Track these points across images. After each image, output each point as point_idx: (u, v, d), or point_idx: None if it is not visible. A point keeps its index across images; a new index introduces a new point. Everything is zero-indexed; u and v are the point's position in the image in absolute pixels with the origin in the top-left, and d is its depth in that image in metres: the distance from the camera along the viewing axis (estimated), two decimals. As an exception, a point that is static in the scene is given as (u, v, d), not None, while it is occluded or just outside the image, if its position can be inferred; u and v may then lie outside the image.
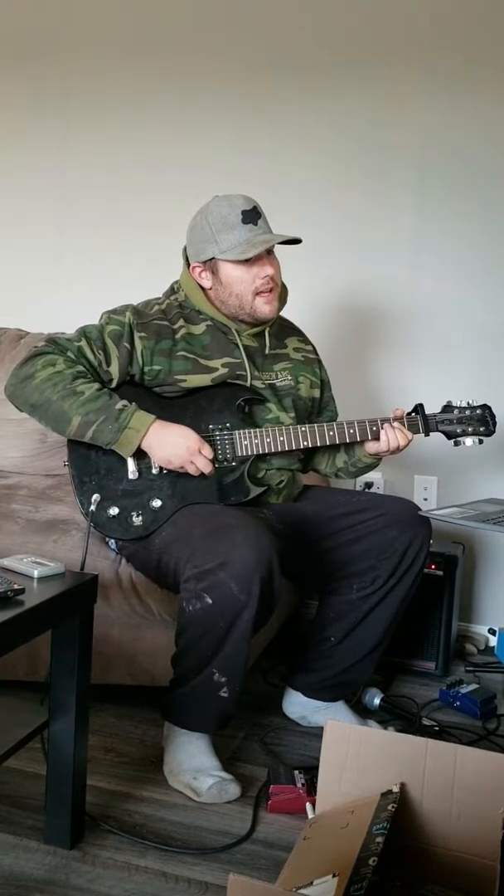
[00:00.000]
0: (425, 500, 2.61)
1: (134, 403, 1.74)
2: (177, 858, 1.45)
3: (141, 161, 2.80)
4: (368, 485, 2.59)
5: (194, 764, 1.66)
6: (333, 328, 2.64)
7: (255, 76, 2.67)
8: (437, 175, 2.55)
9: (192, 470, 1.75)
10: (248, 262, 1.79)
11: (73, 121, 2.87)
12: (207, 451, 1.75)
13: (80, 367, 1.77)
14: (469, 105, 2.50)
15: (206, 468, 1.75)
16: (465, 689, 2.11)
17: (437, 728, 1.95)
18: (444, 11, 2.49)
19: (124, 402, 1.73)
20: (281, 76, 2.65)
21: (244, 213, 1.78)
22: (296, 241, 1.80)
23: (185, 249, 1.90)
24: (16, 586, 1.30)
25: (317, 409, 2.05)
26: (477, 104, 2.49)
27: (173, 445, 1.73)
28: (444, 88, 2.52)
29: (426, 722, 1.97)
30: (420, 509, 1.86)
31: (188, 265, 1.88)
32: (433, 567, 2.26)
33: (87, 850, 1.46)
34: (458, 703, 2.09)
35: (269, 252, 1.83)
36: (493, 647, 2.54)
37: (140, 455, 1.77)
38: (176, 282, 1.94)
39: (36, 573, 1.40)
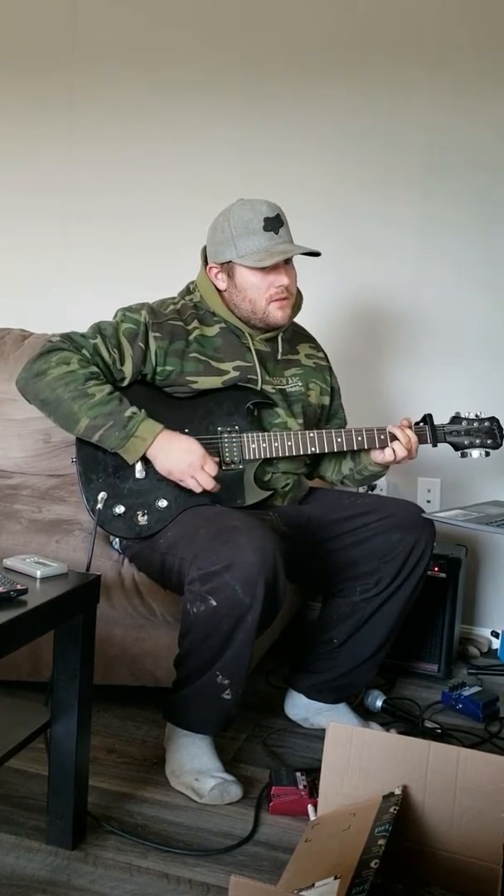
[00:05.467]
0: (429, 502, 2.61)
1: (143, 411, 1.74)
2: (178, 860, 1.45)
3: (145, 160, 2.80)
4: (372, 487, 2.59)
5: (196, 765, 1.66)
6: (342, 334, 2.63)
7: (259, 73, 2.67)
8: (442, 175, 2.54)
9: (191, 485, 1.73)
10: (264, 269, 1.79)
11: (78, 120, 2.87)
12: (210, 468, 1.74)
13: (94, 368, 1.76)
14: (474, 102, 2.49)
15: (208, 485, 1.73)
16: (467, 692, 2.10)
17: (439, 730, 1.95)
18: (448, 6, 2.49)
19: (133, 409, 1.73)
20: (284, 73, 2.65)
21: (266, 220, 1.78)
22: (315, 254, 1.80)
23: (203, 249, 1.90)
24: (19, 586, 1.30)
25: (326, 416, 2.05)
26: (482, 101, 2.49)
27: (177, 459, 1.72)
28: (448, 85, 2.51)
29: (428, 724, 1.97)
30: (424, 512, 1.86)
31: (206, 265, 1.89)
32: (436, 569, 2.25)
33: (89, 851, 1.46)
34: (460, 706, 2.09)
35: (287, 261, 1.83)
36: (496, 650, 2.54)
37: (146, 458, 1.77)
38: (192, 282, 1.94)
39: (39, 573, 1.40)
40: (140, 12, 2.78)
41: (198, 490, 1.74)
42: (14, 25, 2.92)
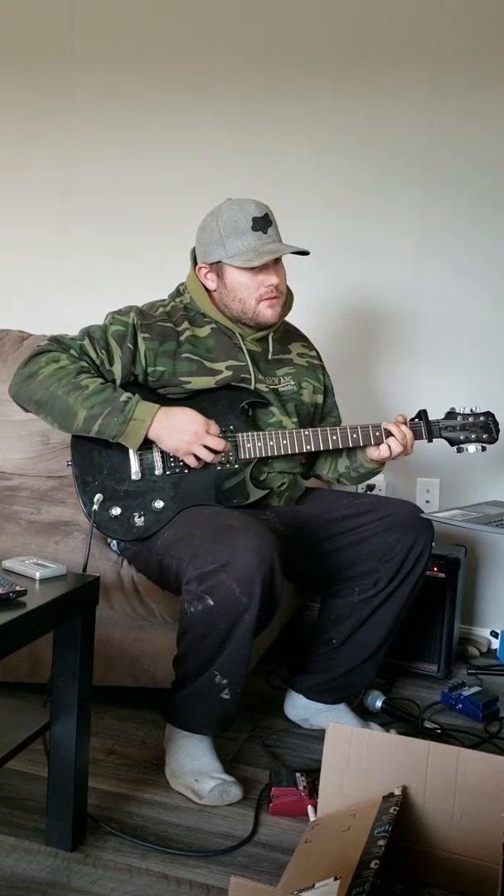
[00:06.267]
0: (427, 502, 2.61)
1: (138, 395, 1.74)
2: (178, 861, 1.45)
3: (143, 162, 2.81)
4: (370, 487, 2.59)
5: (196, 766, 1.66)
6: (337, 332, 2.64)
7: (258, 76, 2.68)
8: (441, 175, 2.55)
9: (202, 454, 1.73)
10: (253, 269, 1.80)
11: (76, 122, 2.87)
12: (214, 429, 1.74)
13: (83, 363, 1.77)
14: (474, 104, 2.50)
15: (219, 445, 1.73)
16: (467, 692, 2.10)
17: (439, 731, 1.95)
18: (448, 9, 2.49)
19: (128, 394, 1.74)
20: (283, 76, 2.65)
21: (255, 219, 1.78)
22: (304, 253, 1.81)
23: (193, 250, 1.90)
24: (18, 588, 1.30)
25: (319, 415, 2.05)
26: (482, 102, 2.49)
27: (180, 432, 1.72)
28: (448, 87, 2.51)
29: (428, 724, 1.97)
30: (422, 512, 1.86)
31: (195, 265, 1.89)
32: (435, 569, 2.25)
33: (89, 852, 1.46)
34: (460, 706, 2.09)
35: (276, 260, 1.84)
36: (496, 650, 2.54)
37: (143, 454, 1.77)
38: (182, 283, 1.94)
39: (38, 575, 1.40)
40: (139, 14, 2.78)
41: (209, 458, 1.74)
42: (12, 26, 2.91)
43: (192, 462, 1.76)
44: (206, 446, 1.73)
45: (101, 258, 2.86)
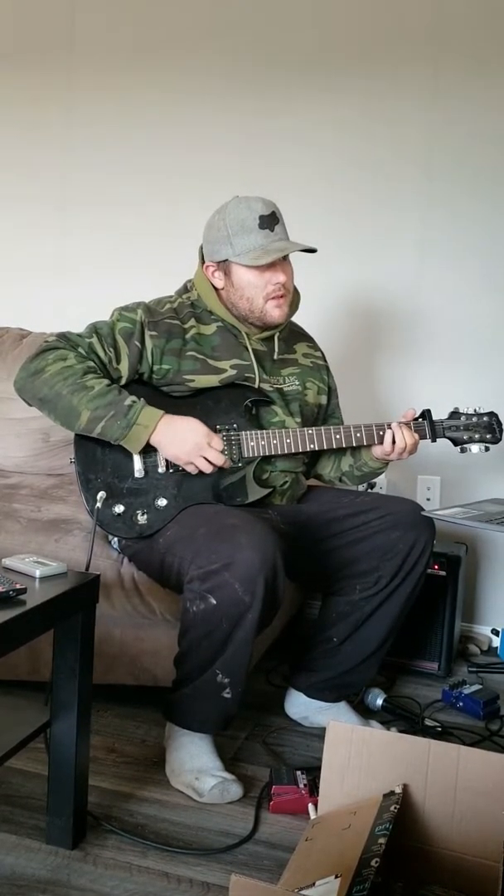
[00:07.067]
0: (428, 500, 2.61)
1: (143, 399, 1.74)
2: (179, 859, 1.45)
3: (142, 161, 2.80)
4: (371, 485, 2.59)
5: (196, 764, 1.66)
6: (339, 332, 2.63)
7: (258, 76, 2.67)
8: (442, 175, 2.54)
9: (202, 465, 1.73)
10: (260, 267, 1.79)
11: (76, 120, 2.86)
12: (217, 443, 1.74)
13: (91, 363, 1.76)
14: (474, 104, 2.49)
15: (218, 460, 1.73)
16: (468, 690, 2.10)
17: (439, 729, 1.95)
18: (448, 9, 2.49)
19: (133, 398, 1.73)
20: (284, 76, 2.65)
21: (262, 217, 1.78)
22: (311, 251, 1.80)
23: (201, 248, 1.89)
24: (18, 586, 1.30)
25: (322, 415, 2.04)
26: (482, 103, 2.49)
27: (182, 441, 1.72)
28: (448, 87, 2.51)
29: (429, 723, 1.97)
30: (423, 510, 1.86)
31: (202, 263, 1.88)
32: (436, 567, 2.25)
33: (89, 851, 1.46)
34: (460, 704, 2.09)
35: (284, 258, 1.83)
36: (497, 648, 2.54)
37: (147, 452, 1.77)
38: (190, 280, 1.94)
39: (38, 573, 1.40)
40: (139, 14, 2.76)
41: (208, 470, 1.74)
42: (10, 27, 2.91)
43: (191, 470, 1.75)
44: (206, 458, 1.73)
45: (100, 256, 2.85)
